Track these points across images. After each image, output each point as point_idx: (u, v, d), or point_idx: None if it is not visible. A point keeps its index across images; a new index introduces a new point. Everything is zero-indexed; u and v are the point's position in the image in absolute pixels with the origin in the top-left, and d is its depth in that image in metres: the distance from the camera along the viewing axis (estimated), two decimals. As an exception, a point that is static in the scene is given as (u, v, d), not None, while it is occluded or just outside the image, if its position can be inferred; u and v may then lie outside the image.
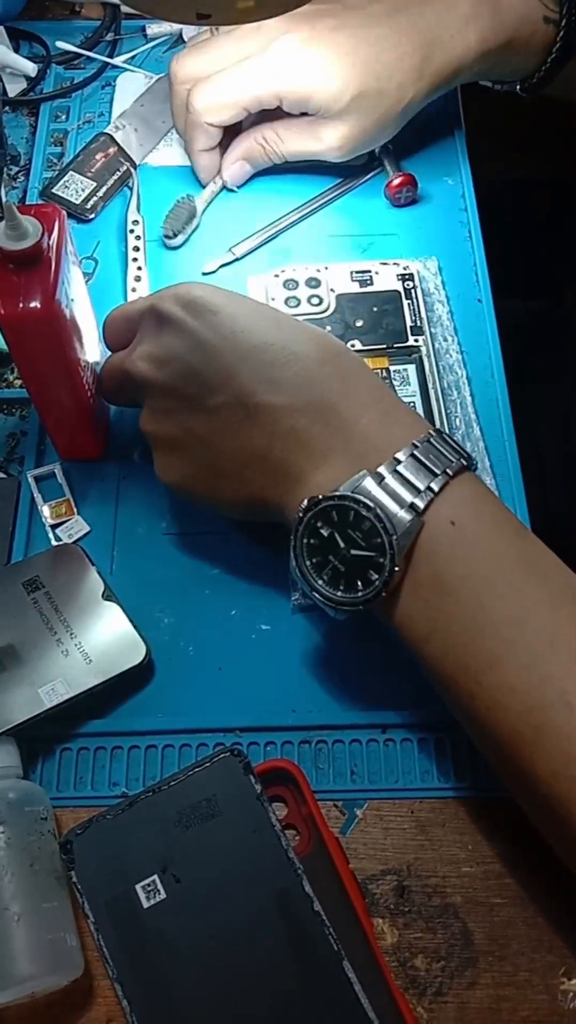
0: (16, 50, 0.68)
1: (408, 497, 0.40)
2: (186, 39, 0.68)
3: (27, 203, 0.62)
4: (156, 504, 0.52)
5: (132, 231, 0.60)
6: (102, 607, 0.48)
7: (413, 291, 0.56)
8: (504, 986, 0.41)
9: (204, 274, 0.59)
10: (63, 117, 0.66)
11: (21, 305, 0.41)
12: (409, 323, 0.55)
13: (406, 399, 0.53)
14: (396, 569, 0.39)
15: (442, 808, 0.45)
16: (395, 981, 0.41)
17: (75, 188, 0.62)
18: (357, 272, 0.56)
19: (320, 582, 0.41)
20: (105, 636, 0.47)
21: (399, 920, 0.43)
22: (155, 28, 0.69)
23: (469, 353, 0.56)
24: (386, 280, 0.56)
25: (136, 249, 0.59)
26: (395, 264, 0.57)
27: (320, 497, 0.40)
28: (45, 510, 0.52)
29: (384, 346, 0.54)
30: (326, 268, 0.57)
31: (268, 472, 0.43)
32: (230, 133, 0.59)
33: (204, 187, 0.61)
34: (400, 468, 0.40)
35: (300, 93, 0.55)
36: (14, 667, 0.46)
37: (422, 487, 0.40)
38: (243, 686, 0.47)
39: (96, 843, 0.42)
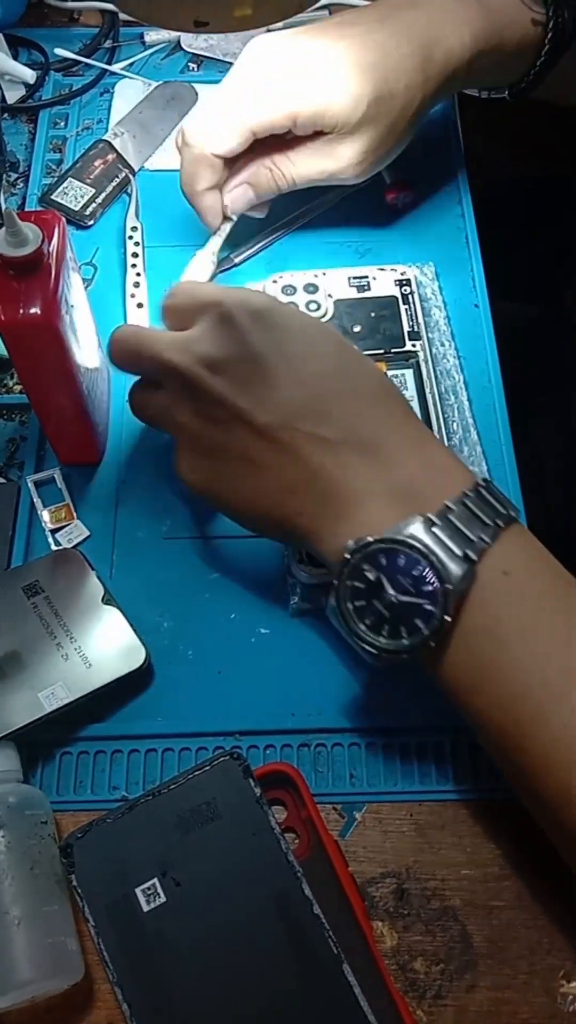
0: (15, 57, 0.68)
1: (461, 546, 0.39)
2: (184, 47, 0.69)
3: (26, 210, 0.62)
4: (155, 508, 0.52)
5: (131, 237, 0.60)
6: (102, 611, 0.48)
7: (410, 296, 0.56)
8: (504, 989, 0.42)
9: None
10: (62, 124, 0.66)
11: (21, 311, 0.41)
12: (406, 328, 0.55)
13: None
14: (447, 619, 0.39)
15: (441, 811, 0.45)
16: (395, 984, 0.41)
17: (74, 194, 0.62)
18: (355, 278, 0.57)
19: (362, 627, 0.40)
20: (105, 640, 0.47)
21: (398, 923, 0.43)
22: (153, 35, 0.69)
23: (466, 358, 0.56)
24: (383, 285, 0.57)
25: (135, 255, 0.60)
26: (392, 270, 0.57)
27: (370, 539, 0.39)
28: (45, 515, 0.52)
29: (382, 351, 0.55)
30: (324, 274, 0.57)
31: (308, 501, 0.42)
32: (232, 170, 0.55)
33: (212, 233, 0.57)
34: (451, 516, 0.39)
35: (315, 109, 0.51)
36: (14, 671, 0.46)
37: (474, 538, 0.39)
38: (242, 690, 0.47)
39: (96, 847, 0.42)
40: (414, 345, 0.55)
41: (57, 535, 0.51)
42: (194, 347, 0.44)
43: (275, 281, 0.56)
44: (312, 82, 0.51)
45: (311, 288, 0.56)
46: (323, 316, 0.56)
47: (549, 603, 0.39)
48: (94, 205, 0.62)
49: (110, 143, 0.63)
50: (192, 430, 0.44)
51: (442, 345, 0.56)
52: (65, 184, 0.62)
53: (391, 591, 0.39)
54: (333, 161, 0.54)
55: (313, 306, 0.56)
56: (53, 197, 0.62)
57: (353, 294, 0.56)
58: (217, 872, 0.41)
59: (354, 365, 0.44)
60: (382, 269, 0.57)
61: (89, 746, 0.46)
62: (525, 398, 0.58)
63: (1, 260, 0.41)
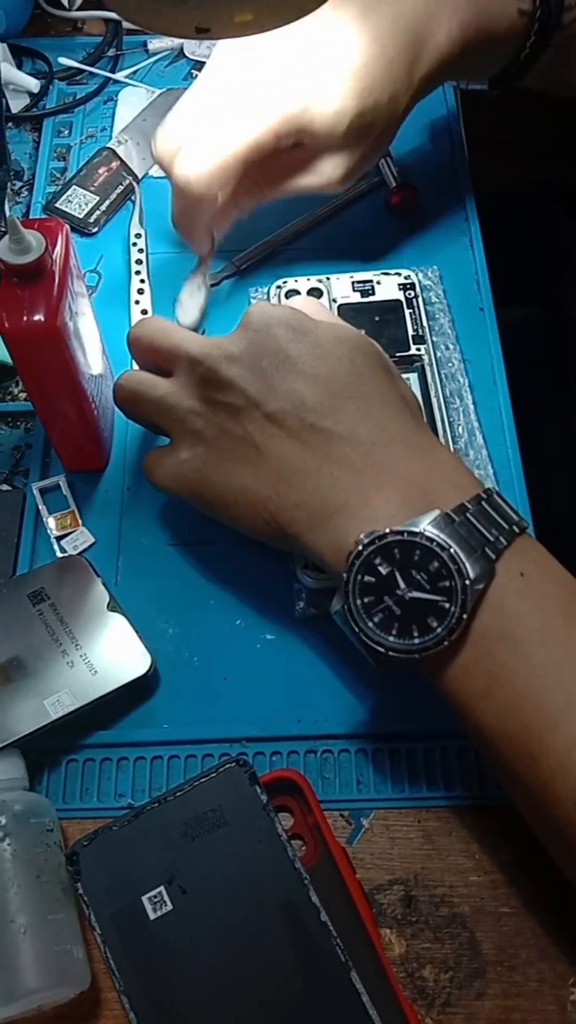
0: (19, 66, 0.68)
1: (480, 543, 0.39)
2: (187, 54, 0.69)
3: (31, 218, 0.62)
4: (161, 515, 0.52)
5: (135, 244, 0.60)
6: (107, 618, 0.48)
7: (415, 300, 0.56)
8: (513, 996, 0.41)
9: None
10: (66, 132, 0.66)
11: (25, 318, 0.42)
12: (411, 332, 0.55)
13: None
14: (464, 616, 0.38)
15: (449, 817, 0.45)
16: (403, 992, 0.40)
17: (78, 202, 0.62)
18: (359, 282, 0.57)
19: (370, 624, 0.39)
20: (110, 647, 0.47)
21: (407, 930, 0.42)
22: (156, 43, 0.69)
23: (471, 361, 0.56)
24: (388, 290, 0.57)
25: (139, 262, 0.60)
26: (396, 274, 0.57)
27: (386, 531, 0.39)
28: (50, 522, 0.52)
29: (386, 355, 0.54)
30: (328, 279, 0.57)
31: (308, 491, 0.42)
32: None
33: (199, 261, 0.57)
34: (469, 515, 0.39)
35: (297, 125, 0.49)
36: (20, 679, 0.46)
37: (491, 537, 0.39)
38: (248, 696, 0.47)
39: (102, 855, 0.41)
40: (419, 349, 0.55)
41: (62, 542, 0.51)
42: (218, 343, 0.45)
43: (279, 286, 0.57)
44: (293, 96, 0.49)
45: (315, 293, 0.56)
46: (327, 321, 0.55)
47: (563, 607, 0.39)
48: (98, 213, 0.62)
49: (114, 151, 0.64)
50: (200, 415, 0.45)
51: (447, 348, 0.56)
52: (69, 192, 0.62)
53: (403, 587, 0.39)
54: (315, 177, 0.53)
55: (317, 311, 0.56)
56: (57, 205, 0.62)
57: (357, 298, 0.56)
58: (224, 880, 0.41)
59: (367, 371, 0.44)
60: (386, 273, 0.57)
61: (95, 753, 0.46)
62: (530, 401, 0.58)
63: (5, 267, 0.41)
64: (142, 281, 0.59)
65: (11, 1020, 0.39)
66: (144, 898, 0.41)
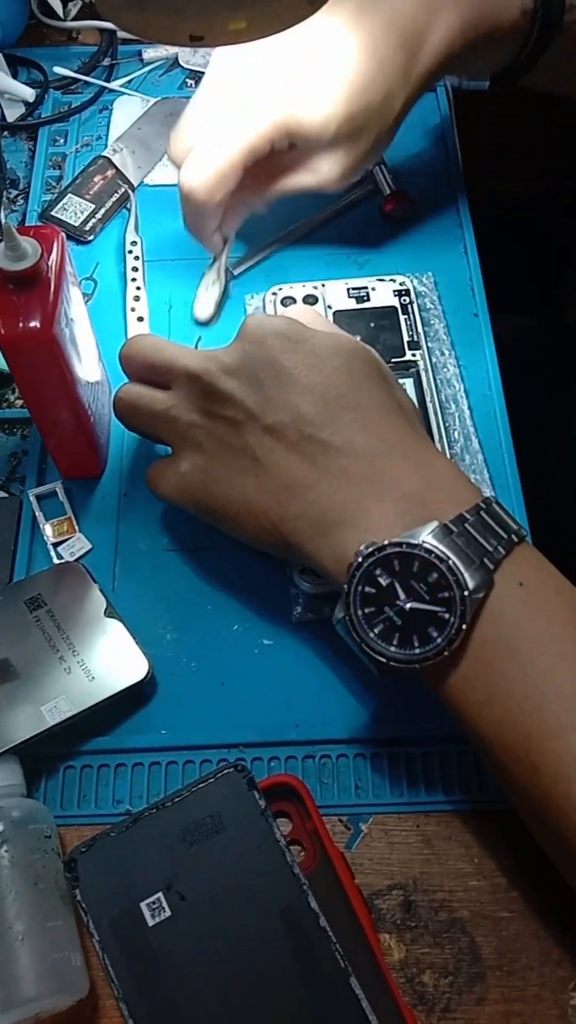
0: (14, 76, 0.69)
1: (478, 555, 0.39)
2: (182, 63, 0.69)
3: (26, 225, 0.62)
4: (157, 521, 0.52)
5: (131, 251, 0.61)
6: (104, 624, 0.48)
7: (410, 307, 0.56)
8: (513, 1001, 0.41)
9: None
10: (61, 141, 0.67)
11: (21, 325, 0.42)
12: (406, 338, 0.55)
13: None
14: (464, 627, 0.38)
15: (448, 822, 0.45)
16: (403, 997, 0.40)
17: (74, 210, 0.62)
18: (354, 289, 0.57)
19: (371, 635, 0.39)
20: (107, 653, 0.47)
21: (406, 935, 0.42)
22: (151, 52, 0.70)
23: (466, 367, 0.56)
24: (383, 296, 0.57)
25: (135, 269, 0.60)
26: (391, 280, 0.57)
27: (385, 543, 0.39)
28: (47, 528, 0.52)
29: (382, 361, 0.55)
30: (323, 285, 0.57)
31: (308, 502, 0.42)
32: None
33: (216, 258, 0.58)
34: (467, 526, 0.39)
35: (285, 129, 0.50)
36: (17, 685, 0.46)
37: (490, 548, 0.39)
38: (246, 701, 0.47)
39: (100, 861, 0.41)
40: (414, 355, 0.55)
41: (59, 548, 0.51)
42: (214, 355, 0.46)
43: (275, 293, 0.57)
44: (284, 98, 0.50)
45: (311, 300, 0.56)
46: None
47: (562, 616, 0.39)
48: (94, 220, 0.62)
49: (109, 159, 0.64)
50: (200, 428, 0.45)
51: (442, 354, 0.56)
52: (65, 200, 0.63)
53: (403, 598, 0.39)
54: (312, 176, 0.54)
55: (313, 317, 0.56)
56: (53, 213, 0.62)
57: (352, 305, 0.56)
58: (222, 885, 0.41)
59: (364, 380, 0.44)
60: (381, 280, 0.57)
61: (92, 759, 0.46)
62: (527, 406, 0.58)
63: (0, 274, 0.41)
64: (138, 288, 0.59)
65: (9, 1028, 0.39)
66: (142, 904, 0.41)
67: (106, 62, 0.69)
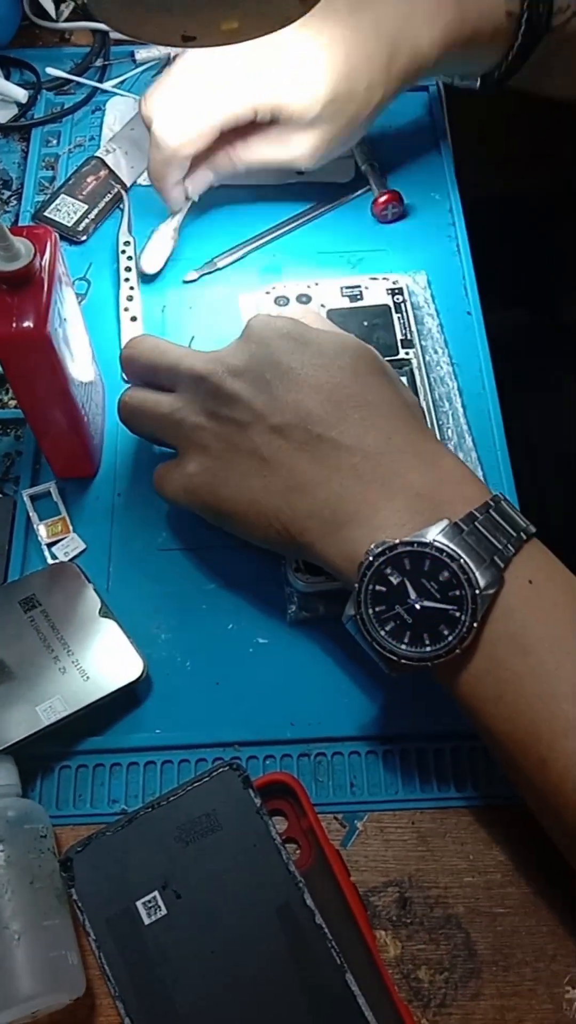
0: (7, 77, 0.69)
1: (488, 552, 0.39)
2: (174, 63, 0.69)
3: (19, 225, 0.62)
4: (151, 520, 0.52)
5: (124, 252, 0.61)
6: (99, 624, 0.48)
7: (403, 305, 0.56)
8: (508, 996, 0.41)
9: (184, 282, 0.60)
10: (54, 142, 0.67)
11: (14, 325, 0.42)
12: (399, 336, 0.56)
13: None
14: (475, 625, 0.38)
15: (443, 818, 0.45)
16: (399, 993, 0.40)
17: (67, 211, 0.62)
18: (347, 288, 0.57)
19: (382, 633, 0.39)
20: (102, 653, 0.47)
21: (402, 932, 0.42)
22: (144, 53, 0.70)
23: (460, 365, 0.56)
24: (376, 295, 0.57)
25: (128, 270, 0.60)
26: (384, 279, 0.57)
27: (396, 542, 0.39)
28: (41, 529, 0.52)
29: (375, 360, 0.55)
30: (316, 284, 0.57)
31: (319, 502, 0.42)
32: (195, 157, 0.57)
33: (172, 213, 0.60)
34: (477, 524, 0.39)
35: (273, 103, 0.53)
36: (11, 685, 0.46)
37: (500, 546, 0.39)
38: (241, 700, 0.47)
39: (96, 860, 0.41)
40: (407, 353, 0.55)
41: (53, 548, 0.51)
42: (224, 358, 0.45)
43: (268, 292, 0.57)
44: (274, 76, 0.53)
45: (304, 299, 0.57)
46: (316, 326, 0.56)
47: (571, 614, 0.39)
48: (87, 221, 0.62)
49: (102, 160, 0.64)
50: (206, 430, 0.45)
51: (435, 352, 0.57)
52: (58, 201, 0.63)
53: (414, 596, 0.39)
54: (287, 150, 0.56)
55: (306, 316, 0.56)
56: (46, 214, 0.62)
57: (346, 304, 0.57)
58: (218, 884, 0.41)
59: (371, 378, 0.44)
60: (374, 278, 0.57)
61: (88, 759, 0.46)
62: (518, 404, 0.58)
63: (-7, 275, 0.41)
64: (131, 288, 0.59)
65: (6, 1028, 0.39)
66: (138, 903, 0.41)
67: (99, 63, 0.70)
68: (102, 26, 0.70)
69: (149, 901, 0.41)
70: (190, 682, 0.48)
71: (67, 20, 0.71)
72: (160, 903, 0.41)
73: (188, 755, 0.46)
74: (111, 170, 0.64)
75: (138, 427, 0.49)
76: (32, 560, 0.51)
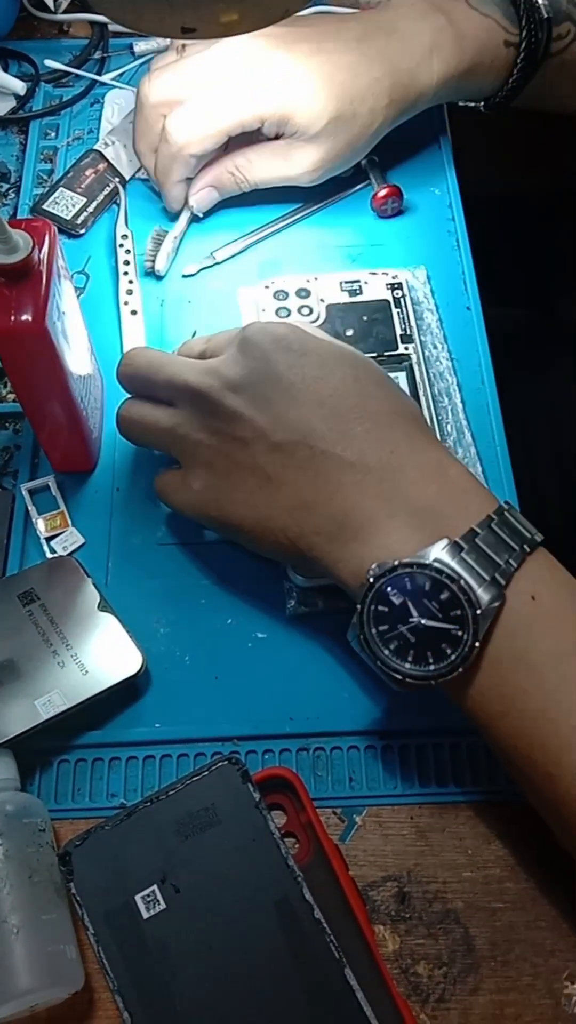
0: (5, 69, 0.68)
1: (489, 571, 0.39)
2: (173, 56, 0.69)
3: (18, 218, 0.62)
4: (150, 515, 0.52)
5: (122, 245, 0.60)
6: (98, 618, 0.48)
7: (402, 300, 0.56)
8: (507, 991, 0.41)
9: (184, 276, 0.60)
10: (53, 134, 0.66)
11: (12, 318, 0.41)
12: (399, 331, 0.55)
13: (397, 406, 0.53)
14: (477, 645, 0.38)
15: (441, 813, 0.45)
16: (397, 988, 0.40)
17: (65, 204, 0.62)
18: (346, 282, 0.57)
19: (386, 652, 0.39)
20: (101, 647, 0.47)
21: (400, 927, 0.42)
22: (143, 45, 0.69)
23: (459, 360, 0.56)
24: (375, 289, 0.57)
25: (127, 263, 0.60)
26: (384, 273, 0.57)
27: (395, 563, 0.39)
28: (40, 523, 0.52)
29: (374, 354, 0.55)
30: (316, 279, 0.57)
31: (324, 519, 0.42)
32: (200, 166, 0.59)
33: (175, 216, 0.61)
34: (478, 540, 0.39)
35: (281, 114, 0.55)
36: (10, 680, 0.46)
37: (501, 562, 0.39)
38: (240, 695, 0.47)
39: (95, 854, 0.41)
40: (406, 348, 0.55)
41: (52, 543, 0.51)
42: (221, 371, 0.45)
43: (267, 286, 0.57)
44: (282, 91, 0.55)
45: (303, 293, 0.56)
46: (315, 321, 0.56)
47: (575, 629, 0.39)
48: (85, 214, 0.62)
49: (101, 153, 0.64)
50: (209, 447, 0.45)
51: (435, 348, 0.56)
52: (56, 194, 0.62)
53: (416, 616, 0.39)
54: (289, 166, 0.58)
55: (305, 311, 0.56)
56: (44, 207, 0.62)
57: (345, 298, 0.56)
58: (217, 878, 0.41)
59: (372, 388, 0.44)
60: (374, 273, 0.57)
61: (87, 753, 0.46)
62: (517, 398, 0.58)
63: (-8, 267, 0.41)
64: (131, 282, 0.59)
65: (5, 1021, 0.39)
66: (137, 897, 0.41)
67: (97, 55, 0.69)
68: (101, 18, 0.69)
69: (148, 895, 0.41)
70: (189, 676, 0.48)
71: (66, 12, 0.71)
72: (159, 897, 0.41)
73: (187, 749, 0.46)
74: (110, 163, 0.63)
75: (139, 440, 0.49)
76: (31, 554, 0.51)
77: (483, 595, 0.38)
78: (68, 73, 0.68)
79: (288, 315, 0.56)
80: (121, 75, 0.68)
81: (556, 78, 0.59)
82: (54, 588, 0.49)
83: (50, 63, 0.68)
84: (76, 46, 0.70)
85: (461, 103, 0.63)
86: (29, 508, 0.52)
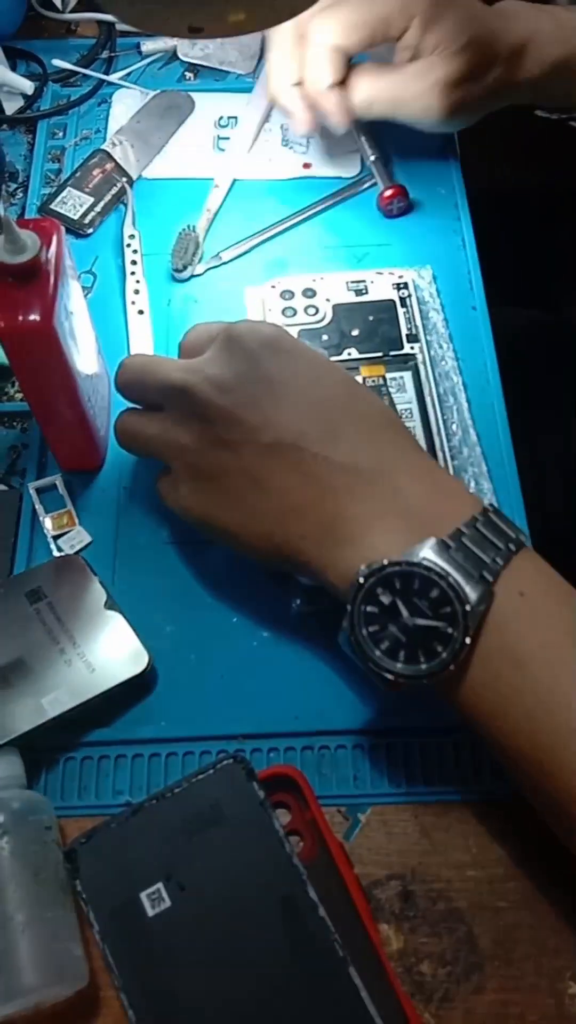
0: (13, 69, 0.69)
1: (477, 568, 0.39)
2: (181, 56, 0.69)
3: (26, 218, 0.62)
4: (157, 514, 0.52)
5: (129, 245, 0.61)
6: (104, 617, 0.48)
7: (408, 300, 0.56)
8: (511, 991, 0.41)
9: (190, 276, 0.60)
10: (60, 134, 0.67)
11: (21, 318, 0.42)
12: (404, 331, 0.55)
13: (402, 406, 0.54)
14: (468, 641, 0.38)
15: (446, 812, 0.45)
16: (401, 987, 0.41)
17: (73, 204, 0.62)
18: (352, 282, 0.57)
19: (377, 653, 0.39)
20: (108, 645, 0.47)
21: (404, 925, 0.43)
22: (150, 45, 0.70)
23: (464, 360, 0.56)
24: (381, 289, 0.57)
25: (134, 263, 0.60)
26: (390, 273, 0.57)
27: (384, 563, 0.39)
28: (47, 521, 0.52)
29: (380, 354, 0.55)
30: (322, 278, 0.57)
31: (313, 523, 0.42)
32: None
33: (301, 136, 0.61)
34: (465, 540, 0.39)
35: (427, 16, 0.54)
36: (17, 677, 0.46)
37: (488, 560, 0.39)
38: (245, 693, 0.47)
39: (100, 852, 0.42)
40: (412, 348, 0.55)
41: (59, 541, 0.51)
42: (203, 369, 0.44)
43: (273, 286, 0.57)
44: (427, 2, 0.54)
45: (309, 292, 0.56)
46: (321, 320, 0.56)
47: (564, 623, 0.39)
48: (93, 214, 0.62)
49: (108, 152, 0.64)
50: (195, 451, 0.44)
51: (440, 347, 0.56)
52: (64, 193, 0.63)
53: (407, 615, 0.39)
54: (418, 85, 0.56)
55: (311, 311, 0.56)
56: (52, 206, 0.62)
57: (351, 298, 0.56)
58: (222, 876, 0.41)
59: (361, 393, 0.44)
60: (379, 273, 0.57)
61: (93, 751, 0.46)
62: (524, 399, 0.58)
63: (0, 267, 0.41)
64: (137, 282, 0.59)
65: (10, 1018, 0.39)
66: (142, 895, 0.41)
67: (105, 55, 0.69)
68: (108, 17, 0.70)
69: (153, 893, 0.41)
70: (195, 675, 0.48)
71: (73, 11, 0.71)
72: (164, 895, 0.41)
73: (192, 747, 0.46)
74: (117, 163, 0.63)
75: (132, 449, 0.49)
76: (38, 553, 0.51)
77: (471, 592, 0.38)
78: (76, 73, 0.68)
79: (294, 314, 0.56)
80: (128, 75, 0.69)
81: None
82: (61, 587, 0.49)
83: (58, 63, 0.68)
84: (83, 45, 0.70)
85: (550, 114, 0.63)
86: (36, 507, 0.52)
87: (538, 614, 0.39)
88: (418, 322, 0.56)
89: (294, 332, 0.54)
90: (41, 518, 0.52)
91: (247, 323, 0.45)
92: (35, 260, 0.41)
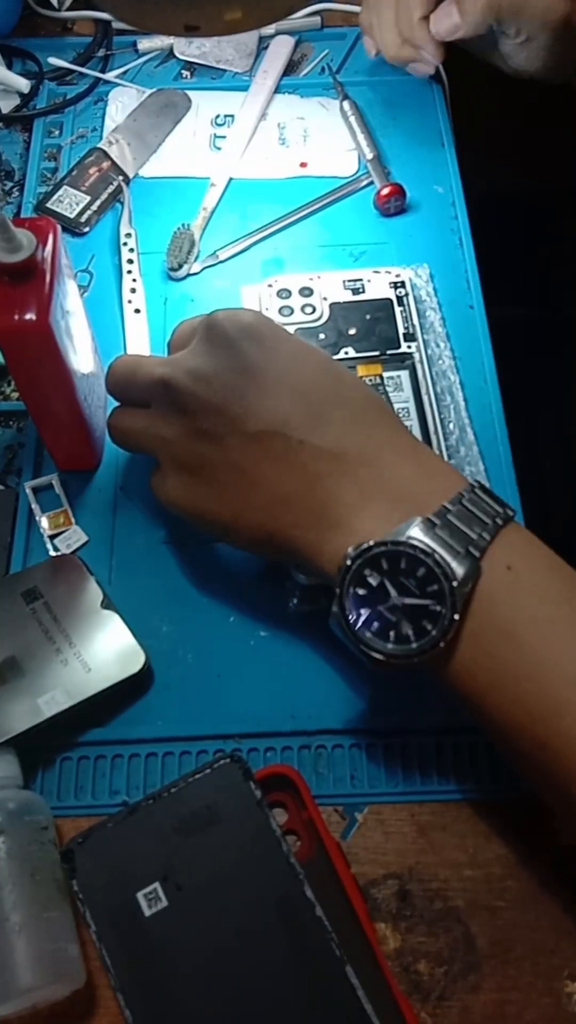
0: (9, 67, 0.68)
1: (463, 544, 0.39)
2: (177, 54, 0.69)
3: (21, 217, 0.62)
4: (154, 513, 0.52)
5: (125, 244, 0.60)
6: (101, 616, 0.48)
7: (405, 298, 0.56)
8: (508, 990, 0.41)
9: (187, 274, 0.60)
10: (56, 132, 0.66)
11: (16, 317, 0.42)
12: (401, 330, 0.55)
13: (400, 405, 0.54)
14: (456, 617, 0.38)
15: (443, 811, 0.45)
16: (398, 986, 0.40)
17: (69, 202, 0.62)
18: (349, 281, 0.57)
19: (368, 634, 0.39)
20: (104, 645, 0.47)
21: (401, 925, 0.43)
22: (146, 43, 0.69)
23: (462, 359, 0.56)
24: (378, 288, 0.57)
25: (130, 262, 0.60)
26: (387, 272, 0.57)
27: (370, 544, 0.39)
28: (43, 521, 0.52)
29: (377, 353, 0.55)
30: (319, 277, 0.57)
31: (302, 511, 0.41)
32: None
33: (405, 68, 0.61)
34: (450, 517, 0.39)
35: None
36: (13, 677, 0.46)
37: (474, 535, 0.39)
38: (242, 693, 0.47)
39: (97, 852, 0.42)
40: (409, 347, 0.55)
41: (56, 541, 0.51)
42: (185, 361, 0.44)
43: (270, 285, 0.57)
44: None
45: (306, 291, 0.56)
46: (319, 319, 0.56)
47: (554, 595, 0.39)
48: (89, 212, 0.62)
49: (105, 151, 0.64)
50: (179, 443, 0.44)
51: (437, 346, 0.56)
52: (60, 192, 0.62)
53: (395, 595, 0.39)
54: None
55: (308, 309, 0.56)
56: (48, 205, 0.62)
57: (348, 297, 0.56)
58: (219, 875, 0.41)
59: (344, 376, 0.44)
60: (377, 271, 0.57)
61: (89, 751, 0.46)
62: (520, 397, 0.58)
63: (-5, 266, 0.41)
64: (134, 280, 0.59)
65: (6, 1018, 0.39)
66: (139, 895, 0.41)
67: (101, 53, 0.69)
68: (105, 16, 0.69)
69: (150, 893, 0.41)
70: (191, 674, 0.48)
71: (69, 9, 0.71)
72: (161, 895, 0.41)
73: (189, 747, 0.46)
74: (113, 161, 0.63)
75: (124, 446, 0.49)
76: (34, 552, 0.51)
77: (458, 568, 0.38)
78: (72, 71, 0.68)
79: (291, 313, 0.56)
80: (125, 73, 0.68)
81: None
82: (57, 586, 0.49)
83: (54, 61, 0.68)
84: (80, 44, 0.70)
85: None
86: (33, 506, 0.52)
87: (527, 587, 0.39)
88: (415, 321, 0.56)
89: (291, 331, 0.53)
90: (37, 517, 0.52)
91: (227, 311, 0.45)
92: (31, 259, 0.41)
